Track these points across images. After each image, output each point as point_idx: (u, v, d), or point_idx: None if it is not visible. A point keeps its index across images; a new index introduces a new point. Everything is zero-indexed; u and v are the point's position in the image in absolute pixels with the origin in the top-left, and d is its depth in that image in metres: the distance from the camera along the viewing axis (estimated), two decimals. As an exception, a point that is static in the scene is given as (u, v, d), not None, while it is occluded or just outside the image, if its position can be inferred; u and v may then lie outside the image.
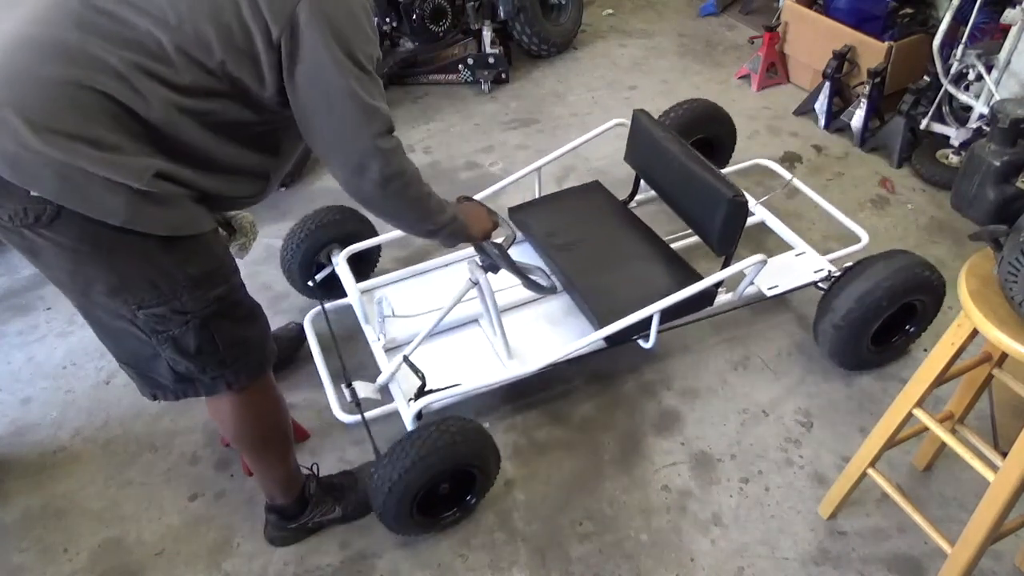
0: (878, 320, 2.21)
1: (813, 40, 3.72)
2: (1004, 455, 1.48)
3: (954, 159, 3.19)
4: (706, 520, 2.03)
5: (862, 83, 3.42)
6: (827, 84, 3.52)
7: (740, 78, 4.03)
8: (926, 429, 1.71)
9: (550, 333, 2.34)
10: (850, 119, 3.46)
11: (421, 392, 2.04)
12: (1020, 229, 1.34)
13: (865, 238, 2.62)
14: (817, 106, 3.60)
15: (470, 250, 2.45)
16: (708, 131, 2.92)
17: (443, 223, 1.68)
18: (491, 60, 3.97)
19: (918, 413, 1.67)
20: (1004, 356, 1.71)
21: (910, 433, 1.85)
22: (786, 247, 2.58)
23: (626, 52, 4.37)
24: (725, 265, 2.24)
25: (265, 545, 2.01)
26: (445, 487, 1.94)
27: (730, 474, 2.14)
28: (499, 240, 1.92)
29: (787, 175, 2.88)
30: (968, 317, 1.44)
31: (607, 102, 3.90)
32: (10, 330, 2.69)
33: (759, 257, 2.17)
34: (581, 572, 1.93)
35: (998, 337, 1.35)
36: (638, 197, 2.77)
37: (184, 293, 1.41)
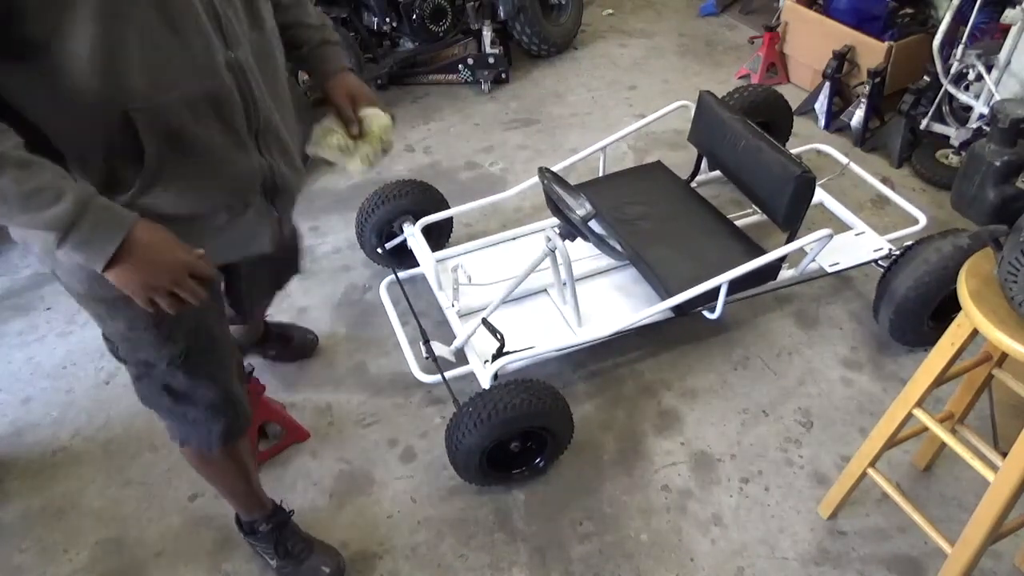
0: (940, 295, 2.26)
1: (813, 40, 3.72)
2: (1004, 455, 1.48)
3: (954, 159, 3.19)
4: (706, 520, 2.03)
5: (862, 83, 3.42)
6: (827, 84, 3.52)
7: (740, 78, 4.03)
8: (926, 429, 1.70)
9: (616, 303, 2.43)
10: (850, 119, 3.46)
11: (500, 352, 2.11)
12: (1020, 229, 1.33)
13: (923, 220, 2.69)
14: (817, 106, 3.60)
15: (543, 222, 2.70)
16: (766, 115, 2.98)
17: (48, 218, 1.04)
18: (491, 60, 3.96)
19: (918, 413, 1.67)
20: (1004, 356, 1.71)
21: (910, 433, 1.85)
22: (843, 228, 2.63)
23: (626, 52, 4.37)
24: (789, 241, 2.31)
25: (265, 545, 2.01)
26: (516, 445, 2.02)
27: (730, 474, 2.14)
28: (580, 213, 1.96)
29: (844, 159, 2.94)
30: (968, 317, 1.44)
31: (607, 102, 3.90)
32: (10, 330, 2.69)
33: (825, 231, 2.24)
34: (581, 572, 1.93)
35: (998, 337, 1.35)
36: (698, 178, 2.86)
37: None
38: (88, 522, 2.10)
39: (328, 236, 3.06)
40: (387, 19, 3.71)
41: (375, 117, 1.55)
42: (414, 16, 3.73)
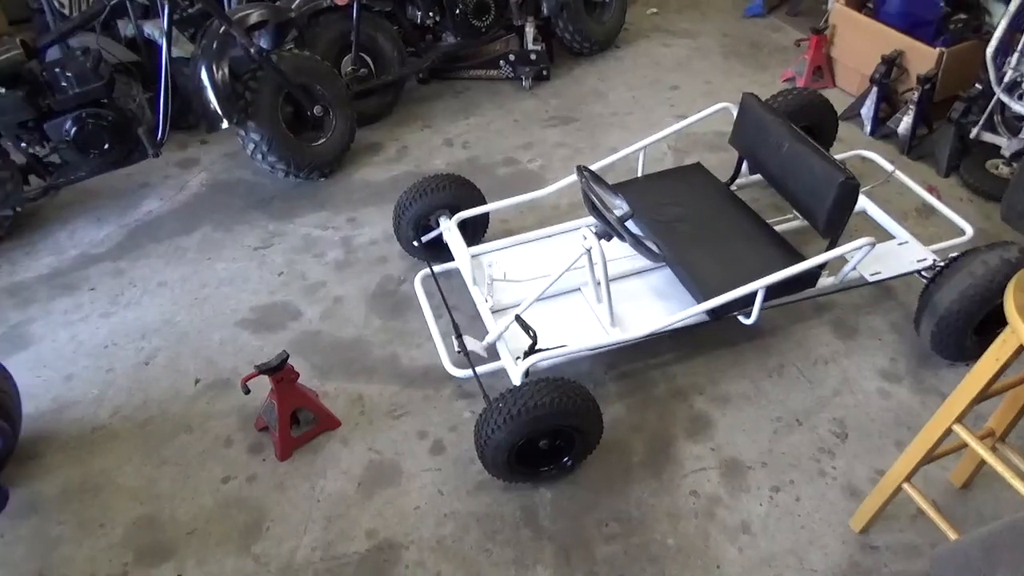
0: (985, 309, 2.21)
1: (861, 44, 3.64)
2: (1047, 476, 1.44)
3: (1005, 170, 3.10)
4: (734, 527, 2.01)
5: (911, 89, 3.34)
6: (874, 89, 3.45)
7: (785, 81, 3.97)
8: (965, 446, 1.67)
9: (651, 305, 2.42)
10: (897, 125, 3.38)
11: (532, 350, 2.12)
12: (1074, 244, 1.30)
13: (970, 231, 2.63)
14: (863, 111, 3.53)
15: (579, 220, 2.71)
16: (811, 119, 2.92)
17: None
18: (533, 57, 3.96)
19: (958, 429, 1.63)
20: (1051, 374, 1.66)
21: (948, 449, 1.81)
22: (886, 237, 2.58)
23: (669, 52, 4.33)
24: (830, 248, 2.27)
25: (294, 530, 2.04)
26: (544, 443, 2.03)
27: (761, 482, 2.12)
28: (617, 212, 1.97)
29: (889, 167, 2.88)
30: (1015, 333, 1.40)
31: (648, 102, 3.87)
32: (56, 308, 2.77)
33: (867, 240, 2.21)
34: (606, 573, 1.93)
35: (1046, 355, 1.31)
36: (738, 181, 2.83)
37: None
38: (124, 499, 2.15)
39: (365, 228, 3.09)
40: (430, 13, 3.73)
41: None
42: (457, 11, 3.74)
